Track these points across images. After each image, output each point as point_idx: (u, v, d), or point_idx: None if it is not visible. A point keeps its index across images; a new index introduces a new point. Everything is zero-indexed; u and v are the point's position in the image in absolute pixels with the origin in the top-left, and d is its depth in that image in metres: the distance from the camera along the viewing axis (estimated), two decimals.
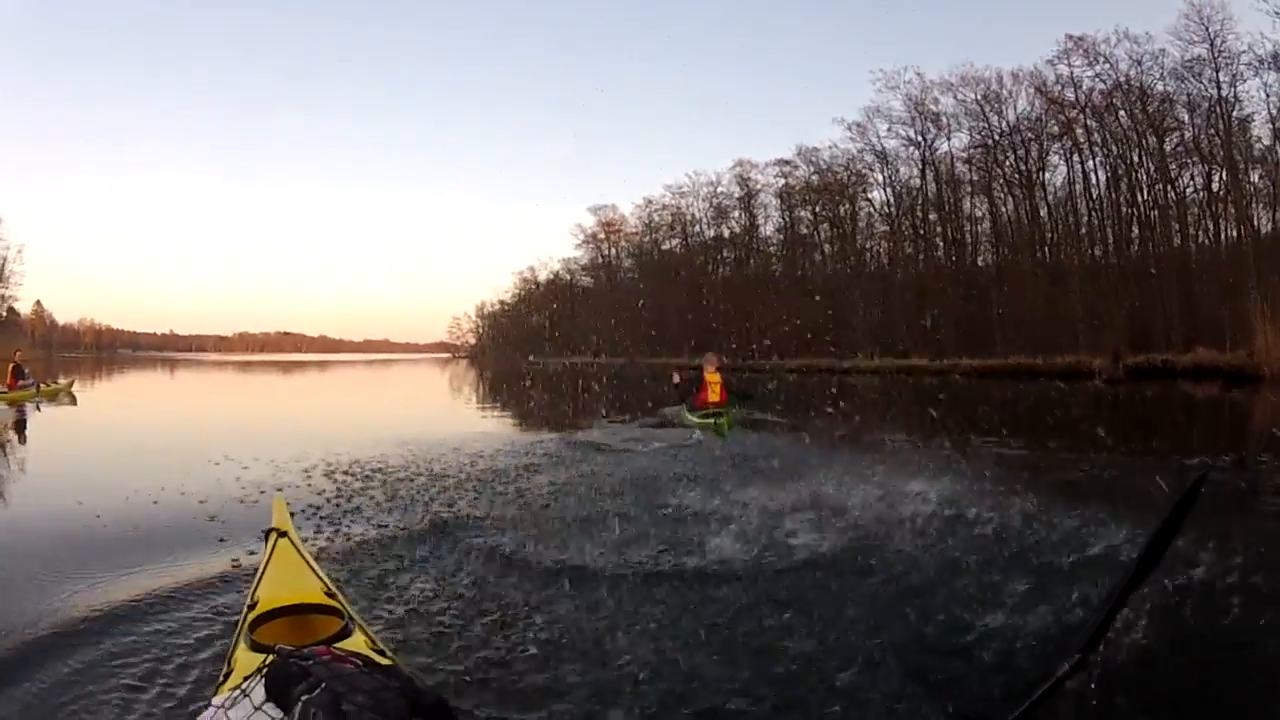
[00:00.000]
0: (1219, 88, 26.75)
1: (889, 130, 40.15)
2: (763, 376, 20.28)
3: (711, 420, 12.65)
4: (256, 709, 1.61)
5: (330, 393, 30.10)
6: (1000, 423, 12.59)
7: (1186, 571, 3.85)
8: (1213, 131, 27.46)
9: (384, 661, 2.17)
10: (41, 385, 19.83)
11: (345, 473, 8.63)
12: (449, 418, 18.20)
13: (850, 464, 7.77)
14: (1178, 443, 10.24)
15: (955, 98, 36.92)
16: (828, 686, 3.14)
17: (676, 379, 15.63)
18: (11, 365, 18.82)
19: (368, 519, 6.29)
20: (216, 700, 1.72)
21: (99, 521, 6.62)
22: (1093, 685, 2.42)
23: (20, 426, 14.34)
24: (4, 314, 61.62)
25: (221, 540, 5.74)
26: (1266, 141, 26.85)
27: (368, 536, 5.73)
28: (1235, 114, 26.95)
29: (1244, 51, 26.61)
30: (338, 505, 6.85)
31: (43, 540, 6.08)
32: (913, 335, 34.44)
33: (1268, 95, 26.26)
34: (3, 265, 58.22)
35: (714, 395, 13.48)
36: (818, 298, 41.14)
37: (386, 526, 6.01)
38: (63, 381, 21.93)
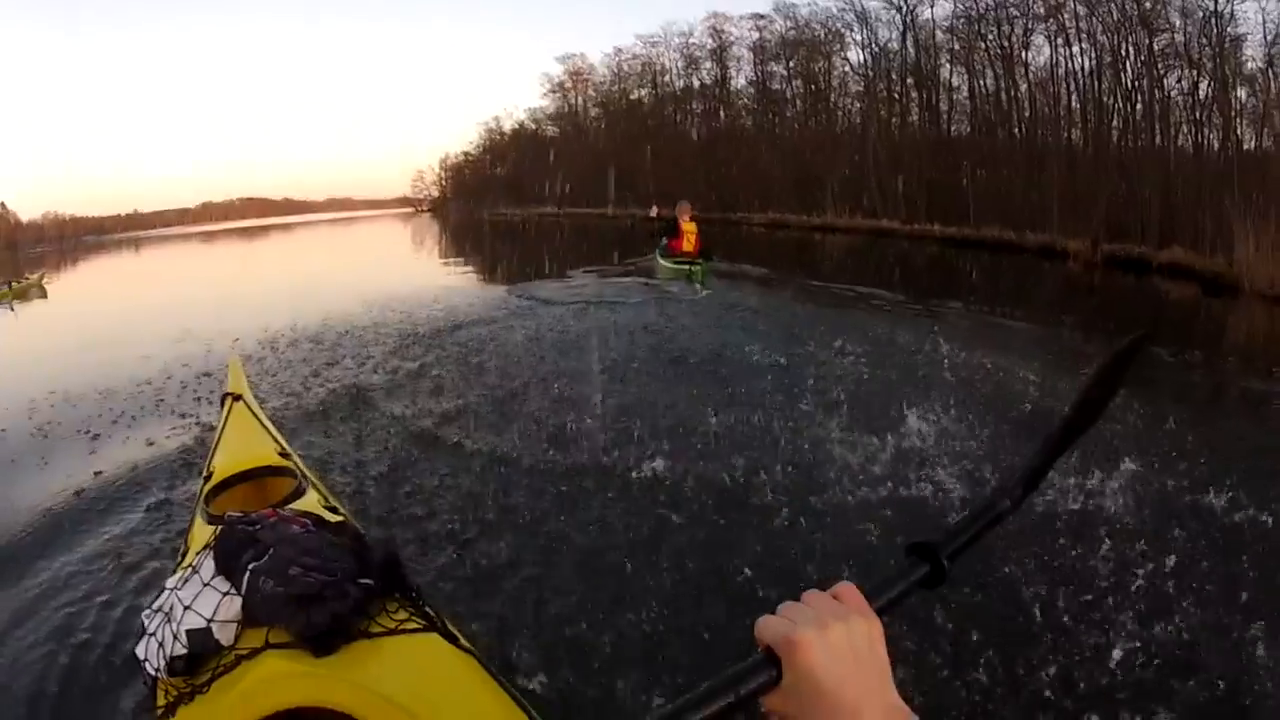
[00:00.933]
0: (1215, 2, 25.85)
1: None
2: (732, 230, 21.14)
3: (687, 267, 12.89)
4: (206, 584, 1.60)
5: (290, 258, 30.88)
6: (1000, 297, 13.57)
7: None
8: (1204, 41, 26.65)
9: (335, 519, 2.20)
10: (12, 284, 20.03)
11: (305, 338, 8.69)
12: (409, 276, 17.69)
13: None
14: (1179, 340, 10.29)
15: None
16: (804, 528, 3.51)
17: (655, 212, 16.55)
18: None
19: (328, 380, 6.36)
20: (170, 582, 1.71)
21: (65, 409, 6.62)
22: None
23: None
24: None
25: (183, 414, 5.75)
26: (1258, 64, 26.16)
27: (327, 397, 5.78)
28: (1230, 29, 26.10)
29: None
30: (299, 367, 6.97)
31: (12, 430, 6.09)
32: (884, 197, 34.13)
33: (1264, 20, 25.35)
34: None
35: (688, 245, 13.67)
36: (788, 153, 41.04)
37: (347, 387, 6.04)
38: (32, 277, 22.02)
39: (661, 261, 13.88)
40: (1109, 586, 3.08)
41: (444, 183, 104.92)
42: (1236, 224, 16.07)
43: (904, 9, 37.18)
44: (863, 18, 39.59)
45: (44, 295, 19.56)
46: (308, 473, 2.86)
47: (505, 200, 73.61)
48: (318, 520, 1.94)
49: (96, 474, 4.57)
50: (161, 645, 1.62)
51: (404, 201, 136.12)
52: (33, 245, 77.68)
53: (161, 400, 6.45)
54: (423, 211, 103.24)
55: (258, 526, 1.71)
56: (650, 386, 5.89)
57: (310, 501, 2.49)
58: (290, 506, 2.24)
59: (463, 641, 1.99)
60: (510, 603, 2.98)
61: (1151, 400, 5.37)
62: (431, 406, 5.18)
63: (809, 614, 0.66)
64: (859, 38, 40.87)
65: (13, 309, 17.23)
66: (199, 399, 5.66)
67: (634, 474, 4.08)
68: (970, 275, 18.14)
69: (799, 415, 5.10)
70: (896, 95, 38.85)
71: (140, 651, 1.66)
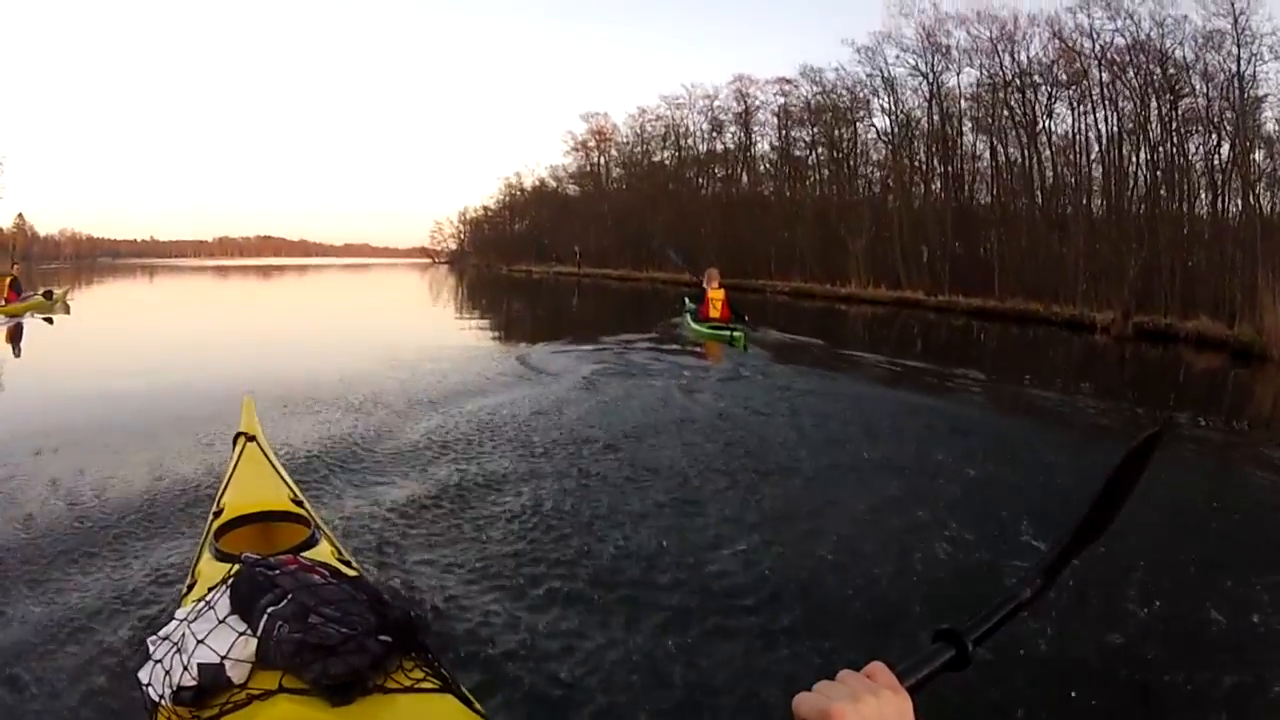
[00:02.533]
0: (1239, 63, 26.14)
1: (897, 58, 38.98)
2: (755, 297, 20.51)
3: (727, 333, 12.72)
4: (221, 621, 1.60)
5: (305, 301, 30.40)
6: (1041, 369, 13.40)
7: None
8: (1225, 104, 26.96)
9: (350, 572, 2.20)
10: (53, 292, 20.60)
11: (318, 386, 8.48)
12: (424, 331, 17.64)
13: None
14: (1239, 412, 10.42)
15: (968, 32, 35.71)
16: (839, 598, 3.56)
17: (680, 262, 17.43)
18: (9, 279, 19.45)
19: (339, 431, 6.22)
20: (180, 613, 1.72)
21: (74, 428, 6.67)
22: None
23: (16, 337, 14.79)
24: None
25: (192, 445, 5.72)
26: (1275, 126, 26.44)
27: (339, 446, 5.70)
28: (1250, 91, 26.37)
29: (1268, 34, 25.91)
30: (311, 412, 6.88)
31: (17, 445, 6.09)
32: (908, 267, 34.02)
33: None
34: None
35: (715, 311, 13.70)
36: (810, 220, 40.94)
37: (359, 442, 5.92)
38: (57, 292, 22.13)
39: (695, 326, 13.84)
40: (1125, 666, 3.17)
41: (462, 236, 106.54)
42: (1265, 293, 16.21)
43: (930, 76, 37.57)
44: (890, 84, 39.86)
45: (67, 311, 19.90)
46: (320, 522, 2.87)
47: (524, 257, 73.88)
48: (335, 572, 1.95)
49: (101, 498, 4.65)
50: (169, 674, 1.65)
51: (421, 252, 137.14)
52: (48, 260, 77.36)
53: (173, 430, 6.48)
54: (440, 263, 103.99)
55: (277, 572, 1.73)
56: (666, 452, 5.83)
57: (324, 551, 2.52)
58: (305, 554, 2.23)
59: (476, 705, 2.01)
60: (527, 671, 2.97)
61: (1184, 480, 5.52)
62: (445, 473, 5.07)
63: (844, 690, 0.73)
64: (884, 104, 41.12)
65: (52, 321, 17.72)
66: (210, 434, 5.61)
67: (659, 550, 4.01)
68: (1008, 349, 18.00)
69: (824, 485, 5.17)
70: (920, 163, 39.06)
71: (144, 676, 1.68)
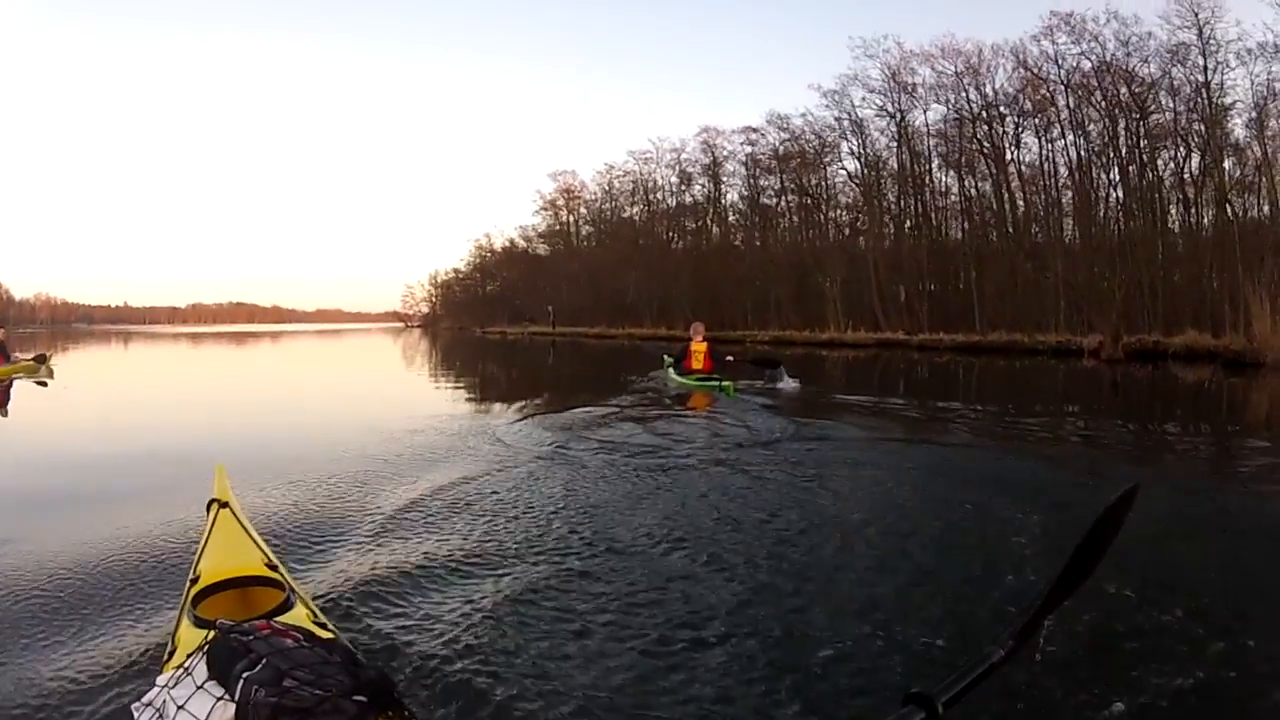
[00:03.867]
0: (1205, 73, 26.89)
1: (863, 100, 39.87)
2: (736, 348, 19.17)
3: (716, 383, 12.90)
4: (199, 687, 1.65)
5: (279, 367, 30.03)
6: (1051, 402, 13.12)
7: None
8: (1194, 116, 27.62)
9: (325, 635, 2.23)
10: (46, 356, 20.70)
11: (291, 452, 8.43)
12: (399, 398, 17.35)
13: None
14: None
15: (933, 69, 36.69)
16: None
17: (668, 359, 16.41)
18: None
19: (316, 496, 6.16)
20: (161, 679, 1.76)
21: (49, 493, 6.80)
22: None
23: (3, 401, 14.79)
24: None
25: (168, 511, 5.59)
26: (1243, 131, 27.19)
27: (314, 512, 5.69)
28: (1218, 99, 27.11)
29: (1233, 40, 26.76)
30: (285, 479, 6.70)
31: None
32: (886, 309, 34.29)
33: (1253, 84, 26.43)
34: None
35: (698, 363, 14.16)
36: (784, 268, 41.37)
37: (334, 507, 5.89)
38: (49, 357, 22.19)
39: (681, 380, 14.06)
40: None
41: (434, 299, 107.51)
42: (1251, 300, 16.19)
43: (897, 116, 38.19)
44: (859, 126, 40.49)
45: (51, 375, 19.67)
46: (295, 586, 2.89)
47: (497, 318, 74.57)
48: (309, 635, 2.00)
49: (80, 565, 4.54)
50: None
51: (394, 316, 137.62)
52: (24, 324, 76.56)
53: (148, 496, 6.40)
54: (413, 327, 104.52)
55: (250, 637, 1.78)
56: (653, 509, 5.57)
57: (299, 615, 2.57)
58: (279, 619, 2.31)
59: None
60: None
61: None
62: (420, 541, 4.98)
63: None
64: (853, 147, 41.78)
65: (46, 385, 17.83)
66: (186, 501, 5.33)
67: (638, 607, 3.85)
68: (996, 383, 17.84)
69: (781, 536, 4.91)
70: (890, 203, 39.61)
71: None
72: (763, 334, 37.03)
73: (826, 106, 42.48)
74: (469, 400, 15.41)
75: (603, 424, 9.41)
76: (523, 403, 13.39)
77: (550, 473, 6.77)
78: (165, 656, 2.40)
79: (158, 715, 1.70)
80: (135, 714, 1.76)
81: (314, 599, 3.29)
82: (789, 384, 14.08)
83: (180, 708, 1.67)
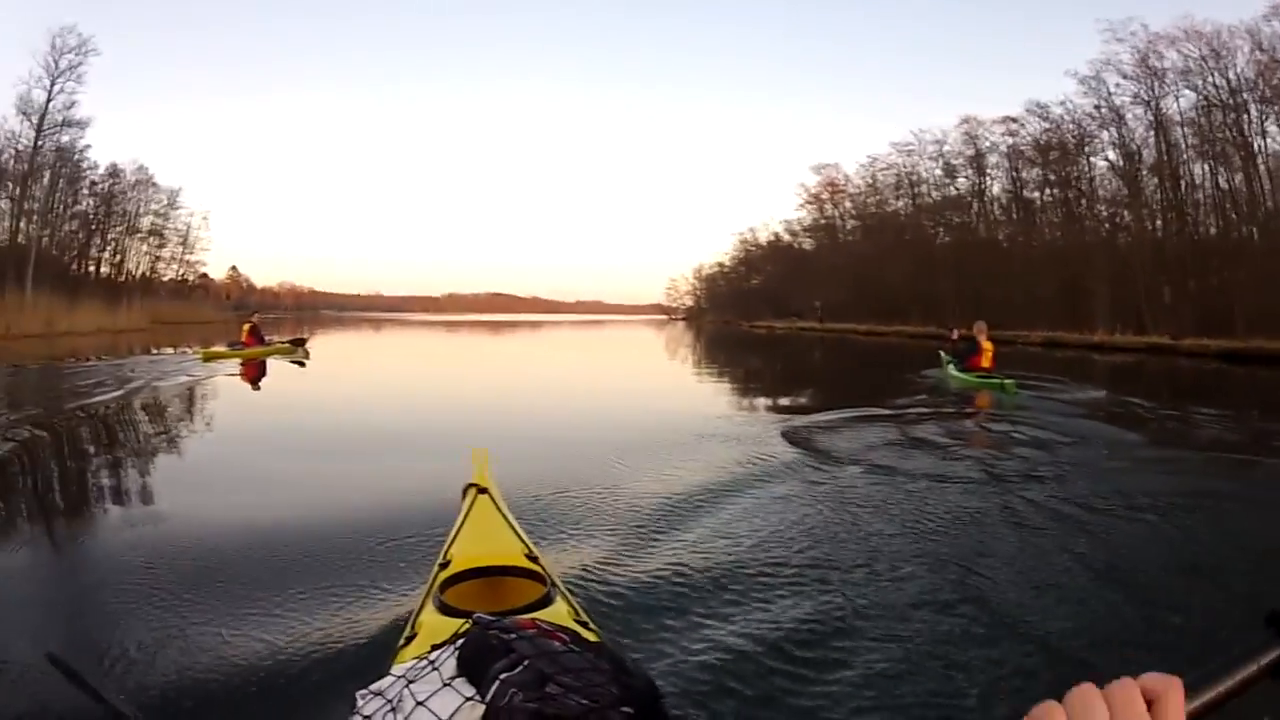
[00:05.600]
0: None
1: (1118, 86, 38.99)
2: (1007, 350, 19.14)
3: (997, 382, 13.07)
4: (446, 683, 1.43)
5: (538, 356, 30.93)
6: None
7: None
8: None
9: (589, 637, 1.86)
10: (277, 342, 22.48)
11: (552, 440, 8.75)
12: (671, 388, 17.53)
13: None
14: None
15: (1179, 52, 35.50)
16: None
17: (955, 335, 17.23)
18: (249, 325, 21.41)
19: (574, 485, 6.06)
20: (398, 669, 1.54)
21: (301, 465, 7.51)
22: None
23: (257, 378, 16.59)
24: (195, 279, 67.26)
25: (417, 493, 5.70)
26: None
27: (575, 505, 5.53)
28: None
29: None
30: (545, 468, 6.64)
31: (251, 478, 6.94)
32: (1154, 311, 33.49)
33: None
34: (188, 233, 63.66)
35: (986, 361, 14.38)
36: (1049, 265, 40.72)
37: (595, 498, 5.78)
38: (300, 336, 24.39)
39: (961, 375, 14.40)
40: None
41: (698, 292, 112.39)
42: None
43: (1152, 103, 37.52)
44: (1118, 114, 39.76)
45: (307, 356, 21.53)
46: (557, 580, 2.74)
47: (762, 312, 76.13)
48: (575, 637, 1.63)
49: (326, 531, 4.92)
50: None
51: (657, 309, 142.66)
52: (266, 310, 78.45)
53: (399, 476, 6.80)
54: (676, 320, 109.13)
55: (513, 635, 1.50)
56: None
57: (560, 613, 2.41)
58: (539, 615, 2.07)
59: None
60: None
61: None
62: (697, 547, 4.68)
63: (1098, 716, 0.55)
64: (1112, 136, 41.00)
65: (304, 364, 20.05)
66: (438, 484, 5.01)
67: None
68: None
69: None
70: (1148, 197, 38.55)
71: None
72: (1033, 334, 35.75)
73: (1084, 94, 41.62)
74: (737, 398, 14.98)
75: (881, 429, 9.03)
76: (793, 403, 13.30)
77: (825, 487, 6.26)
78: (402, 641, 2.35)
79: (389, 708, 1.45)
80: (360, 701, 1.51)
81: (576, 595, 3.11)
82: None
83: (420, 703, 1.45)
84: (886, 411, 10.38)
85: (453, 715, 1.33)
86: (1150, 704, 0.57)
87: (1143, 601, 3.90)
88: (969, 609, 3.75)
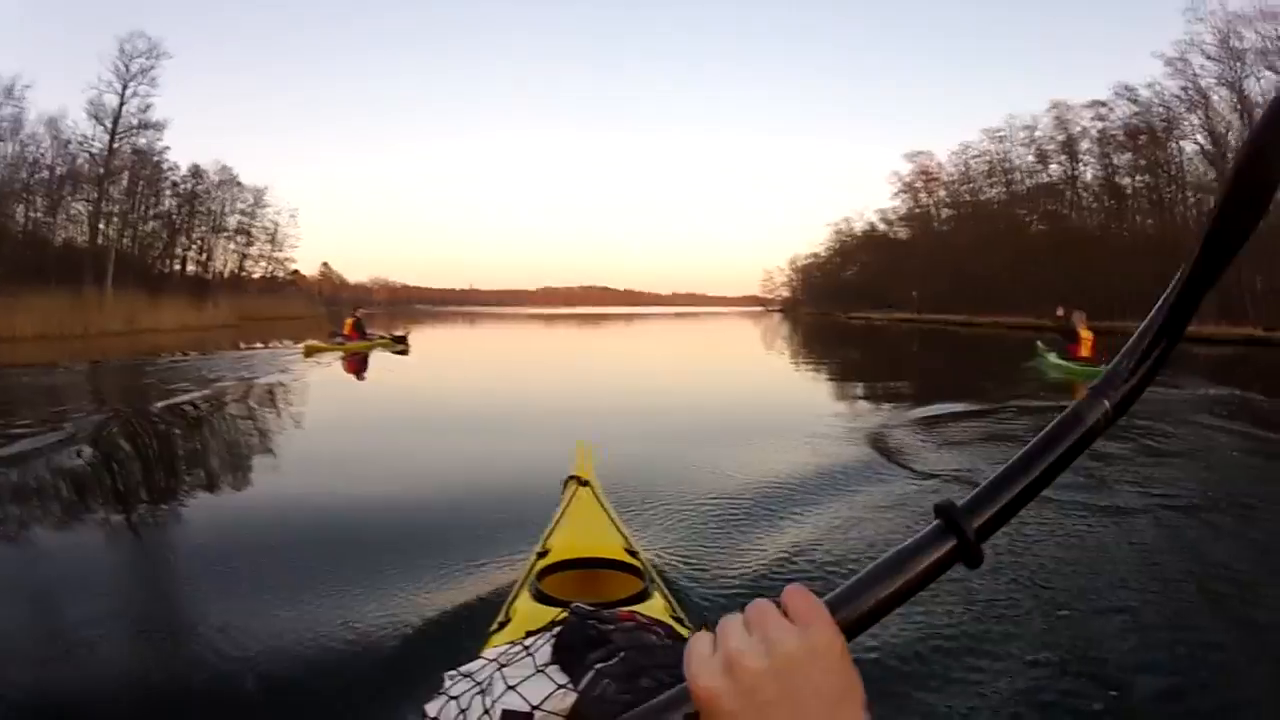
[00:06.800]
0: None
1: (1202, 68, 38.85)
2: (1105, 340, 16.60)
3: (1100, 370, 15.47)
4: (539, 669, 1.45)
5: (637, 346, 31.54)
6: None
7: None
8: None
9: (685, 632, 1.90)
10: (379, 336, 23.36)
11: (657, 432, 8.87)
12: (772, 383, 17.28)
13: None
14: None
15: (1256, 32, 35.47)
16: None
17: (1061, 312, 16.57)
18: (352, 320, 22.35)
19: (674, 480, 6.04)
20: (490, 652, 1.59)
21: (407, 449, 7.98)
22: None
23: (360, 370, 17.34)
24: (285, 276, 68.51)
25: (516, 483, 5.87)
26: None
27: (675, 500, 5.49)
28: None
29: None
30: (642, 461, 6.64)
31: (358, 461, 7.35)
32: (1257, 301, 33.55)
33: None
34: (275, 230, 65.07)
35: (1087, 350, 14.53)
36: (1142, 253, 40.45)
37: (695, 494, 5.71)
38: (399, 333, 25.31)
39: (1063, 363, 14.49)
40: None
41: (794, 283, 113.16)
42: None
43: (1236, 84, 37.52)
44: (1204, 97, 39.70)
45: (408, 349, 22.60)
46: (655, 575, 2.75)
47: (858, 303, 76.15)
48: (671, 631, 1.67)
49: (427, 513, 5.28)
50: (464, 713, 1.49)
51: (753, 300, 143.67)
52: (361, 305, 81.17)
53: (499, 465, 7.01)
54: (772, 311, 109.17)
55: (611, 626, 1.55)
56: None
57: (657, 607, 2.41)
58: (636, 609, 2.00)
59: None
60: None
61: None
62: (786, 553, 4.54)
63: (739, 641, 0.55)
64: (1200, 119, 40.88)
65: (408, 352, 21.42)
66: (538, 475, 4.94)
67: None
68: None
69: None
70: None
71: (432, 710, 1.52)
72: (1131, 325, 33.24)
73: (1170, 76, 41.52)
74: (839, 393, 14.71)
75: (983, 424, 8.79)
76: (894, 398, 12.91)
77: (929, 486, 6.08)
78: (494, 626, 2.39)
79: (478, 690, 1.49)
80: (448, 682, 1.56)
81: (673, 590, 3.10)
82: None
83: (510, 687, 1.48)
84: (987, 406, 10.20)
85: (543, 701, 1.35)
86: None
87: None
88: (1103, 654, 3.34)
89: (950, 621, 3.47)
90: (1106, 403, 0.69)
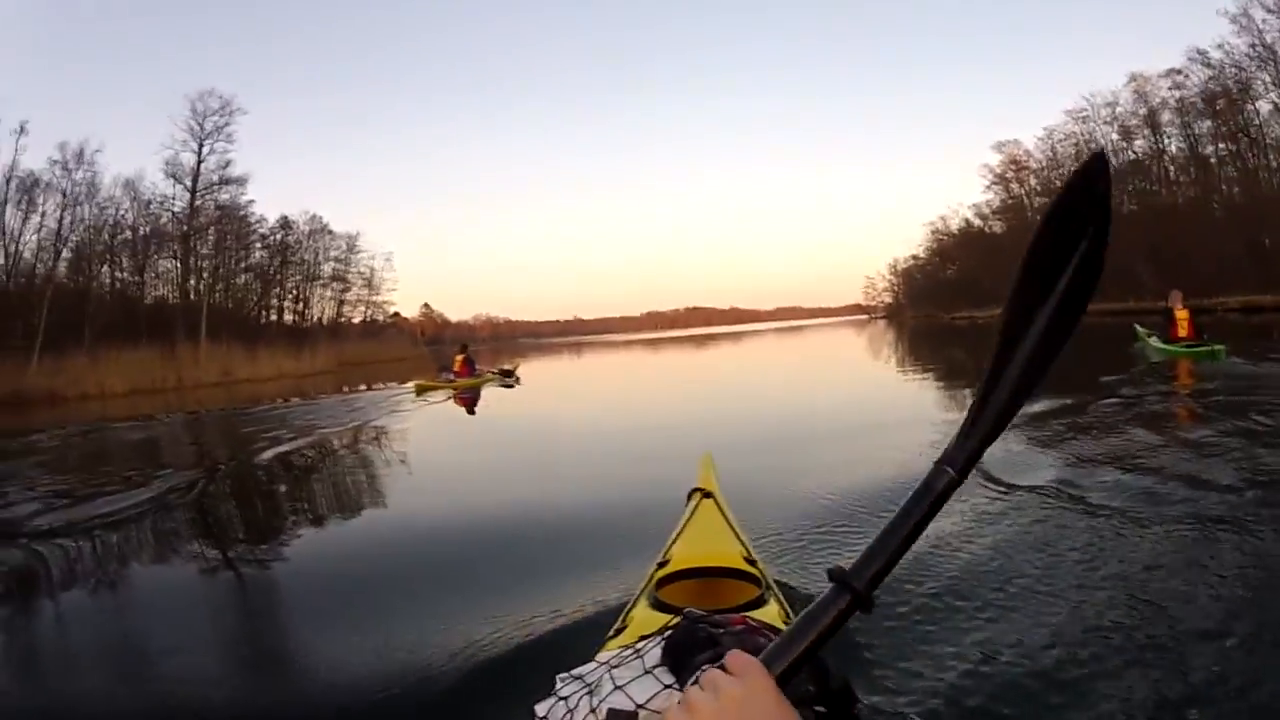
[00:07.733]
0: None
1: (1264, 22, 37.60)
2: (1206, 319, 18.14)
3: (1204, 348, 12.74)
4: (647, 671, 1.50)
5: (745, 363, 31.79)
6: None
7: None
8: None
9: None
10: (488, 372, 23.96)
11: (776, 443, 9.02)
12: (878, 392, 16.94)
13: None
14: None
15: None
16: None
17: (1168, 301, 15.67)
18: (462, 357, 22.67)
19: (794, 491, 6.08)
20: (602, 655, 1.65)
21: (537, 466, 8.50)
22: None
23: (472, 404, 17.86)
24: (385, 319, 69.57)
25: (639, 497, 6.08)
26: None
27: (794, 510, 5.51)
28: None
29: None
30: (764, 474, 6.71)
31: (489, 486, 7.81)
32: None
33: None
34: (371, 275, 65.97)
35: (1183, 330, 14.29)
36: (1233, 224, 40.47)
37: (814, 505, 5.69)
38: (507, 367, 25.82)
39: (1164, 346, 14.36)
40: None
41: (896, 288, 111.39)
42: None
43: None
44: (1271, 52, 39.04)
45: (518, 382, 23.47)
46: (772, 583, 2.77)
47: (961, 302, 75.58)
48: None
49: (550, 528, 5.60)
50: (571, 712, 1.54)
51: (855, 309, 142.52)
52: (467, 341, 79.20)
53: (623, 481, 7.43)
54: (876, 318, 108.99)
55: (721, 630, 1.55)
56: None
57: (771, 613, 2.43)
58: (750, 614, 2.03)
59: None
60: None
61: None
62: (908, 564, 3.58)
63: (695, 692, 0.80)
64: (1272, 75, 40.26)
65: (518, 384, 22.48)
66: (663, 488, 4.73)
67: None
68: None
69: None
70: None
71: (541, 710, 1.57)
72: (1231, 300, 34.15)
73: (1237, 34, 40.49)
74: (947, 397, 14.21)
75: (1091, 421, 8.58)
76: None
77: (1048, 491, 5.59)
78: (611, 633, 2.43)
79: (586, 690, 1.55)
80: (559, 683, 1.62)
81: (789, 597, 2.96)
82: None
83: (618, 687, 1.52)
84: (1088, 399, 9.89)
85: (648, 700, 1.38)
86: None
87: None
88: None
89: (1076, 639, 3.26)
90: (950, 469, 0.87)
